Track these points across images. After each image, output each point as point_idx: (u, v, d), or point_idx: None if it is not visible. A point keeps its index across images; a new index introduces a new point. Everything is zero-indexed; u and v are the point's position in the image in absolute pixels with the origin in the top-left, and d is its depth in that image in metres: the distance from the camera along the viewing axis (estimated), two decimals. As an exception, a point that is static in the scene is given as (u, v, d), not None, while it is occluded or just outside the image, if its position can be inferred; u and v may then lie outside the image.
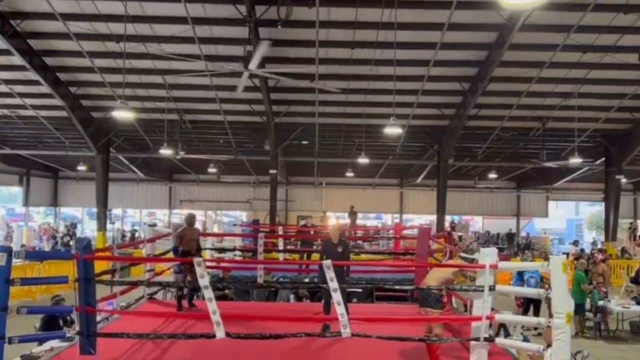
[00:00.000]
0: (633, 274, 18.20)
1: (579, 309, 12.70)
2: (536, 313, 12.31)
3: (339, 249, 8.93)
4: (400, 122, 17.29)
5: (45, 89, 18.55)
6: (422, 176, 28.16)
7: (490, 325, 6.83)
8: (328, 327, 7.67)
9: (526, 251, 28.19)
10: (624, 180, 24.62)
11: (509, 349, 7.38)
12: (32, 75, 17.61)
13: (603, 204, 25.09)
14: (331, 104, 19.93)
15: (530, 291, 8.98)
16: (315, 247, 15.19)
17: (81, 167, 28.59)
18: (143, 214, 35.34)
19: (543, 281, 12.30)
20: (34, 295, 16.15)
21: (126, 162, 26.79)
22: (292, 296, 12.48)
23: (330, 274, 6.69)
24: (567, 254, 18.97)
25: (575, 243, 28.70)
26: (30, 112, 21.47)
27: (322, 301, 8.96)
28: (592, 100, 19.33)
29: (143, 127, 22.17)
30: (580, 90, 18.40)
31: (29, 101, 20.56)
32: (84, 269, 6.45)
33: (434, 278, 7.14)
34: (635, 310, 13.05)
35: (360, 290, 12.00)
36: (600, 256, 17.73)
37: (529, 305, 12.89)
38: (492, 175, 28.85)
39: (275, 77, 15.85)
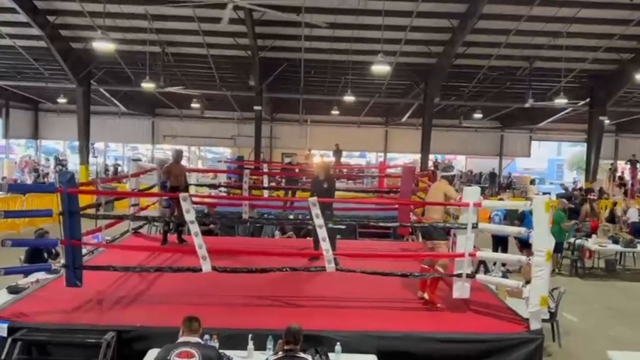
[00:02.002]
0: (607, 214, 18.68)
1: (557, 247, 12.89)
2: (504, 251, 12.16)
3: (325, 185, 9.05)
4: (388, 59, 17.04)
5: (22, 17, 17.86)
6: (407, 115, 28.05)
7: (472, 261, 6.98)
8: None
9: (507, 190, 28.69)
10: (607, 121, 24.78)
11: (489, 285, 7.59)
12: (7, 2, 16.89)
13: (585, 144, 25.35)
14: (318, 39, 19.49)
15: (511, 229, 9.07)
16: (300, 185, 15.30)
17: (62, 100, 27.95)
18: (126, 148, 35.01)
19: (506, 219, 12.29)
20: (18, 227, 16.11)
21: (107, 95, 26.26)
22: (277, 232, 12.61)
23: (315, 211, 6.75)
24: (549, 194, 19.32)
25: (532, 182, 29.69)
26: (6, 41, 20.73)
27: (313, 238, 9.08)
28: (580, 40, 19.14)
29: (124, 59, 21.58)
30: (569, 30, 18.18)
31: (5, 30, 19.81)
32: (68, 202, 6.41)
33: (437, 211, 7.43)
34: (611, 249, 13.40)
35: (344, 227, 12.15)
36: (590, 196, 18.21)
37: (497, 244, 12.39)
38: (477, 115, 28.82)
39: (260, 10, 15.40)
